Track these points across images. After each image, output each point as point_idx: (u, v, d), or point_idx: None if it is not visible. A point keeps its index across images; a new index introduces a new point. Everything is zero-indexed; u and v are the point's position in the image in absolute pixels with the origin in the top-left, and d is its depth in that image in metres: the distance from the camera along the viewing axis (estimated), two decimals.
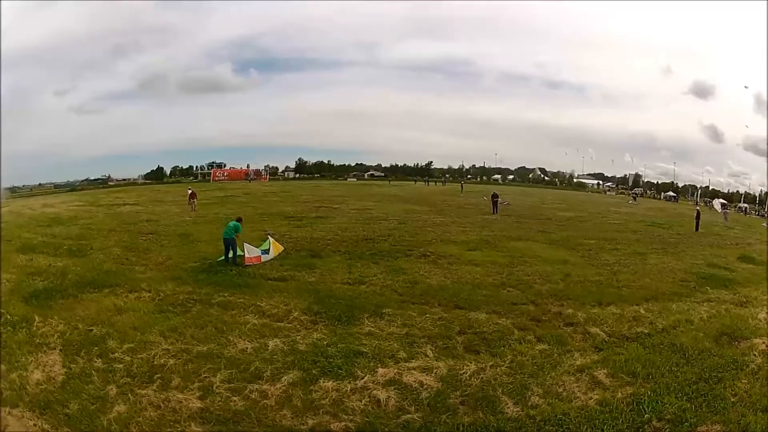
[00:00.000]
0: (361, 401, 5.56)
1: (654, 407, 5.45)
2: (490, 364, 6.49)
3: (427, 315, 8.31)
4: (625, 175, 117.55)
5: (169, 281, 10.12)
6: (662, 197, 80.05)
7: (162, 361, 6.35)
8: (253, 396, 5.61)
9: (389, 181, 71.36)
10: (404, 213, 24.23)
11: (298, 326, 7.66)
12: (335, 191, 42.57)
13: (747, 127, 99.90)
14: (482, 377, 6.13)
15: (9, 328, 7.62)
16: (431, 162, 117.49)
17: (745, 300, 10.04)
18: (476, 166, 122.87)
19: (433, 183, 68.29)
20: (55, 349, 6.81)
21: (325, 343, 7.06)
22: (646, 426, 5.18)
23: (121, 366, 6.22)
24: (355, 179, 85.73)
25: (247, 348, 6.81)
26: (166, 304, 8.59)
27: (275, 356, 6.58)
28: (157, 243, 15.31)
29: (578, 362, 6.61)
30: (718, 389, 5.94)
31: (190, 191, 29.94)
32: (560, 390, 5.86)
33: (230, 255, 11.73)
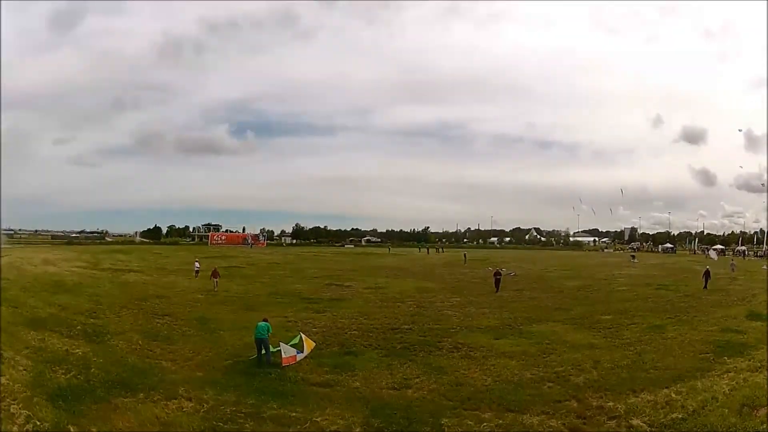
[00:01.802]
0: None
1: None
2: None
3: (485, 423, 8.18)
4: (621, 230, 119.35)
5: (208, 386, 9.67)
6: (660, 250, 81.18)
7: None
8: None
9: (388, 248, 71.59)
10: (418, 292, 24.12)
11: None
12: (339, 263, 42.38)
13: (741, 167, 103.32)
14: None
15: None
16: (428, 227, 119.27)
17: (759, 365, 10.78)
18: (471, 229, 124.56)
19: (434, 250, 68.66)
20: None
21: None
22: None
23: None
24: (352, 246, 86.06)
25: None
26: (214, 418, 8.14)
27: None
28: (178, 330, 14.96)
29: None
30: None
31: (197, 264, 29.74)
32: None
33: (263, 353, 11.44)
